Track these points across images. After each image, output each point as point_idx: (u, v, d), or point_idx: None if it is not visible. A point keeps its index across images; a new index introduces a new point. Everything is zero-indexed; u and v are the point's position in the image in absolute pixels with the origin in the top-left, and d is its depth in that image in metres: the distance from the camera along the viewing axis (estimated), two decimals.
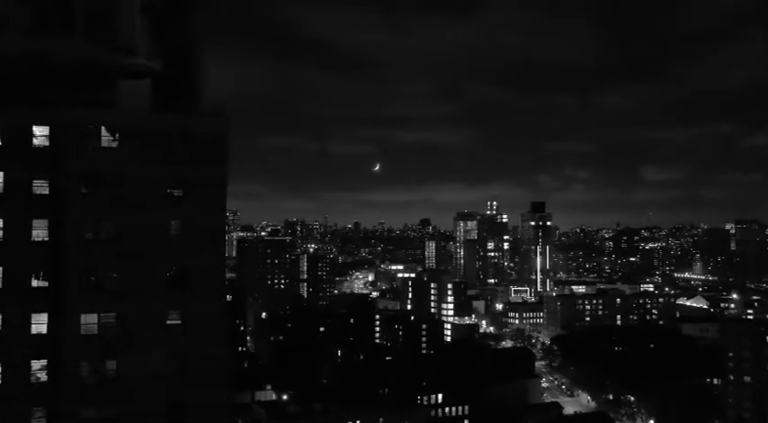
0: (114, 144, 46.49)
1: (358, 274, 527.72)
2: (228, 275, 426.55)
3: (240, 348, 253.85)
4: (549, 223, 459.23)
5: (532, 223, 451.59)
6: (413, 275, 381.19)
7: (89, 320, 45.30)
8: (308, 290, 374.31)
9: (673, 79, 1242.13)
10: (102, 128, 46.36)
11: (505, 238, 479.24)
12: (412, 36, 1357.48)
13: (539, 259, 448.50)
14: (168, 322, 47.19)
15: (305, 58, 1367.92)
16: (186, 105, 53.50)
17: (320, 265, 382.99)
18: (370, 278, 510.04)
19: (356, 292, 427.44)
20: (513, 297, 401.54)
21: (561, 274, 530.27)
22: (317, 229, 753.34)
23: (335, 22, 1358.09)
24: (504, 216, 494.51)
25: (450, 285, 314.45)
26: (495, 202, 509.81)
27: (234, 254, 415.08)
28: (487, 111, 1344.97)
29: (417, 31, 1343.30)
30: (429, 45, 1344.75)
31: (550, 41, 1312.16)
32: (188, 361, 47.31)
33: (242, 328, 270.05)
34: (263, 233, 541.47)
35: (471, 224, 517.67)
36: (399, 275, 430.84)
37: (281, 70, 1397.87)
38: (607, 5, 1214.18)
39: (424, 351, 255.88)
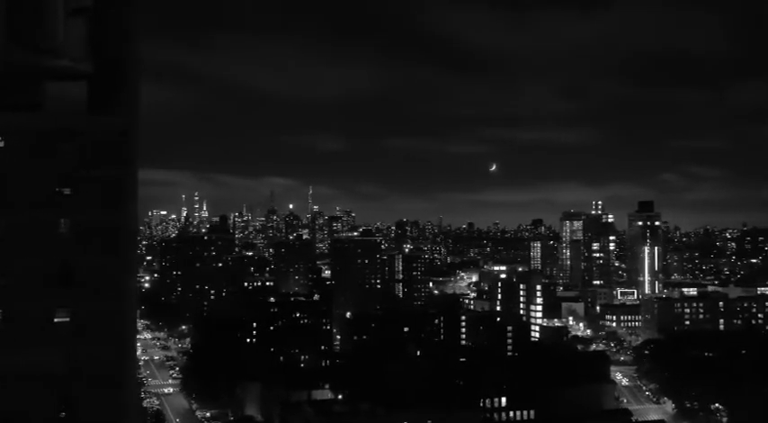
0: (0, 144, 47.07)
1: (464, 274, 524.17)
2: (327, 275, 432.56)
3: (323, 347, 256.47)
4: (657, 223, 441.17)
5: (639, 223, 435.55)
6: (503, 276, 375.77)
7: None
8: (403, 290, 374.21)
9: None
10: None
11: (611, 238, 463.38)
12: (537, 33, 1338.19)
13: (647, 260, 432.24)
14: (56, 320, 47.37)
15: (427, 58, 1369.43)
16: (119, 107, 53.63)
17: (415, 265, 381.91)
18: (475, 278, 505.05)
19: (458, 292, 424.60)
20: (619, 299, 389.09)
21: (675, 276, 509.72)
22: (429, 229, 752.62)
23: (459, 19, 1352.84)
24: (610, 216, 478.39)
25: (538, 287, 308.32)
26: (600, 202, 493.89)
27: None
28: (612, 108, 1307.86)
29: (542, 28, 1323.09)
30: (553, 41, 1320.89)
31: (682, 35, 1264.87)
32: (77, 360, 47.39)
33: (328, 328, 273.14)
34: (354, 233, 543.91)
35: (577, 224, 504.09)
36: (502, 276, 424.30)
37: (402, 70, 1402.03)
38: None
39: (509, 353, 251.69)
